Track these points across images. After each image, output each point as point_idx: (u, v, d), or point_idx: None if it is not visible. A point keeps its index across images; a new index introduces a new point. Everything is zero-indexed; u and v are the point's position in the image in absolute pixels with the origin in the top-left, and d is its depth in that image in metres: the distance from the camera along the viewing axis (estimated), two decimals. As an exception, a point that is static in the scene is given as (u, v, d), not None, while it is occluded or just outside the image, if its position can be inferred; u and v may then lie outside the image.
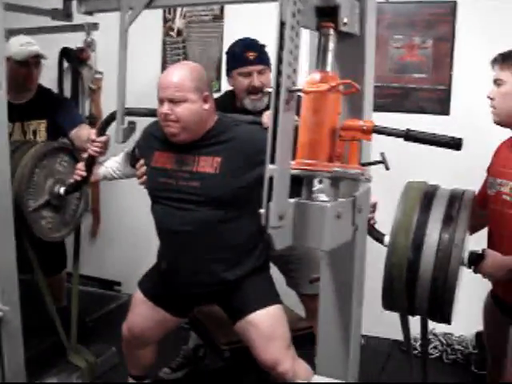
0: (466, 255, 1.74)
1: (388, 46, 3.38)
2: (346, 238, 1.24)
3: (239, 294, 2.22)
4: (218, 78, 3.68)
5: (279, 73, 1.02)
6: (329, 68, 1.18)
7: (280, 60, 1.01)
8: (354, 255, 1.37)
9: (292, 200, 1.10)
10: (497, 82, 2.01)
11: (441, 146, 1.15)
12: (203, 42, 3.79)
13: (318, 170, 1.12)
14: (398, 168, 2.91)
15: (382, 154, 1.22)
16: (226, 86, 3.02)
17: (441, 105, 3.36)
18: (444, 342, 3.38)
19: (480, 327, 3.20)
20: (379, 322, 2.62)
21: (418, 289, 1.59)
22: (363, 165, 1.20)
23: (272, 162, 1.01)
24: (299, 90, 1.07)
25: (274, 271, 2.63)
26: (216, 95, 2.96)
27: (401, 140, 1.24)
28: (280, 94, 1.01)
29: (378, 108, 3.35)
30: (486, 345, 2.39)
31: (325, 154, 1.14)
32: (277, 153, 1.01)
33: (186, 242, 2.16)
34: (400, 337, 2.01)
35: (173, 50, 3.86)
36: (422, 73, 3.38)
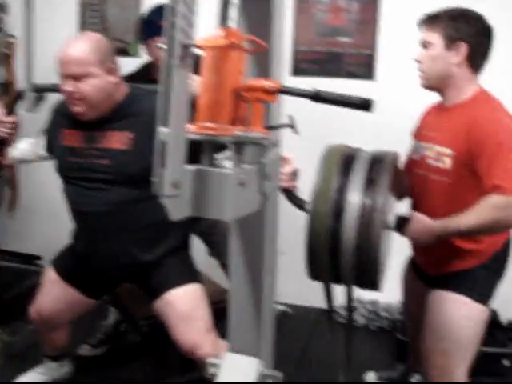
0: (392, 219, 1.70)
1: (314, 9, 3.27)
2: (252, 207, 1.16)
3: (157, 274, 2.12)
4: (137, 41, 3.50)
5: (172, 26, 0.91)
6: (231, 23, 1.08)
7: (173, 11, 0.90)
8: (264, 225, 1.29)
9: (190, 167, 1.00)
10: (424, 45, 1.93)
11: (351, 107, 1.06)
12: (121, 3, 3.59)
13: (219, 134, 1.02)
14: (322, 132, 2.91)
15: (291, 117, 1.13)
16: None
17: (367, 69, 3.30)
18: (370, 309, 3.37)
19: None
20: (308, 290, 2.58)
21: (341, 257, 1.54)
22: (268, 128, 1.10)
23: (165, 124, 0.90)
24: (195, 46, 0.96)
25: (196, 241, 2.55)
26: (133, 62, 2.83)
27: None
28: (173, 49, 0.91)
29: (303, 73, 3.35)
30: (405, 312, 2.41)
31: (227, 117, 1.05)
32: (170, 115, 0.90)
33: (101, 224, 2.05)
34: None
35: (91, 12, 3.65)
36: (348, 36, 3.30)
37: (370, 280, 1.60)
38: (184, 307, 2.07)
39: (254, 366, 1.40)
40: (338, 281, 1.67)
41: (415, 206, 2.07)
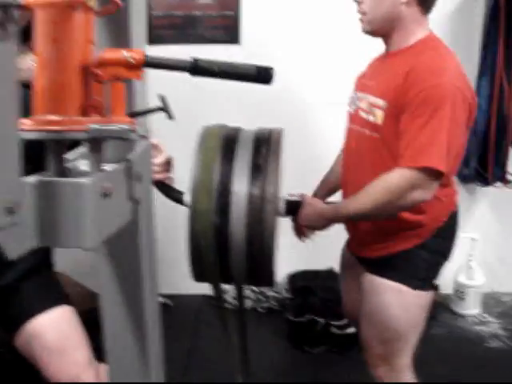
0: (281, 205, 1.50)
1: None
2: (121, 220, 0.89)
3: (14, 302, 1.70)
4: None
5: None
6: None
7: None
8: (138, 236, 1.01)
9: (29, 179, 0.71)
10: None
11: (245, 80, 0.81)
12: None
13: (67, 130, 0.74)
14: (195, 112, 2.66)
15: (163, 98, 0.86)
16: None
17: (230, 33, 3.04)
18: (256, 290, 3.19)
19: (291, 269, 3.14)
20: (186, 277, 2.35)
21: (231, 257, 1.35)
22: (134, 115, 0.83)
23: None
24: (19, 6, 0.66)
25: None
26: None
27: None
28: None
29: (160, 41, 3.04)
30: (343, 298, 2.16)
31: (75, 105, 0.77)
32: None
33: None
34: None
35: None
36: (207, -2, 3.02)
37: (265, 277, 1.40)
38: (54, 337, 1.68)
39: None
40: (228, 281, 1.48)
41: (345, 168, 1.85)
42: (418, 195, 1.54)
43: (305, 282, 2.92)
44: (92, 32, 0.79)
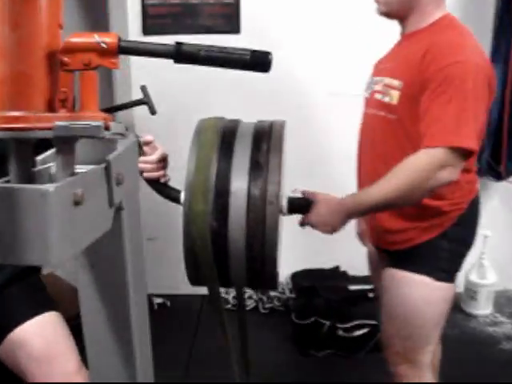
0: (284, 204, 1.39)
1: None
2: (99, 230, 0.78)
3: None
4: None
5: None
6: None
7: None
8: (122, 245, 0.90)
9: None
10: None
11: (237, 68, 0.69)
12: None
13: (31, 128, 0.63)
14: (190, 105, 2.55)
15: (144, 88, 0.75)
16: None
17: (229, 22, 2.90)
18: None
19: (295, 268, 3.03)
20: (184, 277, 2.26)
21: (230, 261, 1.26)
22: (110, 110, 0.71)
23: None
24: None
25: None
26: None
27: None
28: None
29: (155, 31, 2.90)
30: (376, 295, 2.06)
31: (40, 99, 0.66)
32: None
33: None
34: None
35: None
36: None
37: (267, 282, 1.31)
38: (40, 345, 1.57)
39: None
40: (227, 285, 1.39)
41: (361, 154, 1.78)
42: (446, 175, 1.46)
43: (309, 281, 2.81)
44: (60, 14, 0.68)
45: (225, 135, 1.30)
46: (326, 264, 3.04)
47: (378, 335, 2.28)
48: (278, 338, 2.77)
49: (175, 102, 2.60)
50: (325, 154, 2.98)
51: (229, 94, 2.77)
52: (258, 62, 0.67)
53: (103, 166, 0.77)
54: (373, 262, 1.95)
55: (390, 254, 1.75)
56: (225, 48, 0.66)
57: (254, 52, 0.66)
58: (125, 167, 0.86)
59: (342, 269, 2.98)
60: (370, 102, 1.72)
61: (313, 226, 1.51)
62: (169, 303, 3.11)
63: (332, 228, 1.51)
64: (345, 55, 2.84)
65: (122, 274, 0.95)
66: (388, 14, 1.67)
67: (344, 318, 2.56)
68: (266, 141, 1.28)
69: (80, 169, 0.78)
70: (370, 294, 2.55)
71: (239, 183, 1.23)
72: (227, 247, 1.23)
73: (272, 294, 3.07)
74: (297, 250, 2.81)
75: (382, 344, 1.84)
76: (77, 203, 0.68)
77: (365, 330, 2.53)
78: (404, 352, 1.74)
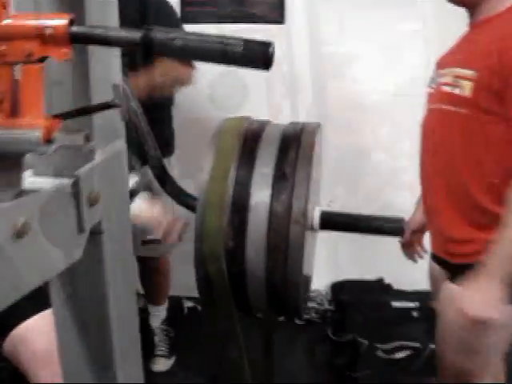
0: (316, 219, 1.22)
1: None
2: (60, 263, 0.64)
3: None
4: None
5: None
6: None
7: None
8: (103, 275, 0.75)
9: None
10: None
11: (225, 63, 0.51)
12: None
13: None
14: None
15: (116, 88, 0.58)
16: None
17: (274, 11, 2.67)
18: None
19: (336, 277, 2.84)
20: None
21: (248, 287, 1.11)
22: (64, 116, 0.55)
23: None
24: None
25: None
26: None
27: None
28: None
29: (194, 19, 2.75)
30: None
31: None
32: None
33: None
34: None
35: None
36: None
37: (291, 311, 1.18)
38: (42, 343, 1.56)
39: None
40: (246, 311, 1.22)
41: (427, 155, 1.64)
42: None
43: (349, 294, 2.64)
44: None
45: (247, 139, 1.13)
46: (370, 274, 2.84)
47: (421, 359, 2.12)
48: (311, 352, 2.59)
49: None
50: (368, 157, 2.78)
51: (264, 92, 2.59)
52: (254, 56, 0.49)
53: (70, 182, 0.62)
54: (434, 276, 1.76)
55: (452, 266, 1.59)
56: (209, 36, 0.49)
57: (248, 43, 0.48)
58: (103, 183, 0.70)
59: (387, 281, 2.78)
60: (435, 96, 1.60)
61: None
62: (200, 307, 2.98)
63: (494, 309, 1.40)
64: (400, 51, 2.64)
65: (103, 308, 0.80)
66: (458, 2, 1.59)
67: (384, 337, 2.37)
68: (295, 148, 1.11)
69: (46, 184, 0.63)
70: (415, 314, 2.37)
71: (260, 197, 1.05)
72: (244, 270, 1.07)
73: (310, 304, 2.89)
74: (339, 258, 2.64)
75: (436, 367, 1.69)
76: (19, 235, 0.53)
77: (407, 353, 2.34)
78: (463, 377, 1.57)
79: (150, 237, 1.50)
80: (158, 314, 2.65)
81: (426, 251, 1.82)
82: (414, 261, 1.87)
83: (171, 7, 2.29)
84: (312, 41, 2.56)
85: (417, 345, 2.31)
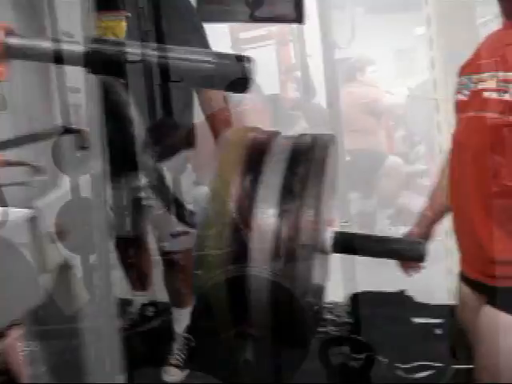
0: (329, 241, 1.12)
1: None
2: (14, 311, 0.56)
3: None
4: None
5: None
6: None
7: None
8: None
9: None
10: None
11: (192, 84, 0.42)
12: None
13: None
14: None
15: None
16: None
17: (292, 9, 2.56)
18: (312, 310, 2.82)
19: (356, 288, 2.74)
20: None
21: (252, 315, 1.02)
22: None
23: None
24: None
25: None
26: None
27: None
28: None
29: (210, 18, 2.65)
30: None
31: None
32: None
33: None
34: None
35: None
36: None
37: (298, 342, 1.10)
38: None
39: None
40: (252, 339, 1.12)
41: (461, 172, 1.52)
42: None
43: (369, 306, 2.53)
44: None
45: (253, 153, 1.04)
46: (392, 285, 2.74)
47: (443, 380, 2.01)
48: (327, 367, 2.49)
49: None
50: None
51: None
52: (227, 76, 0.39)
53: (28, 216, 0.55)
54: (464, 299, 1.65)
55: (492, 289, 1.47)
56: (175, 49, 0.39)
57: (222, 57, 0.38)
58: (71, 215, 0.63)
59: (408, 293, 2.68)
60: (469, 103, 1.47)
61: None
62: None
63: None
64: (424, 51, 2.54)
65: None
66: None
67: (405, 356, 2.26)
68: (305, 162, 1.02)
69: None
70: (437, 331, 2.26)
71: (264, 218, 0.97)
72: (246, 300, 0.99)
73: (327, 317, 2.80)
74: (359, 268, 2.54)
75: None
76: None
77: (429, 373, 2.24)
78: None
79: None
80: (182, 319, 2.52)
81: (424, 266, 1.70)
82: (410, 276, 1.81)
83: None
84: (325, 45, 2.48)
85: (440, 364, 2.21)
